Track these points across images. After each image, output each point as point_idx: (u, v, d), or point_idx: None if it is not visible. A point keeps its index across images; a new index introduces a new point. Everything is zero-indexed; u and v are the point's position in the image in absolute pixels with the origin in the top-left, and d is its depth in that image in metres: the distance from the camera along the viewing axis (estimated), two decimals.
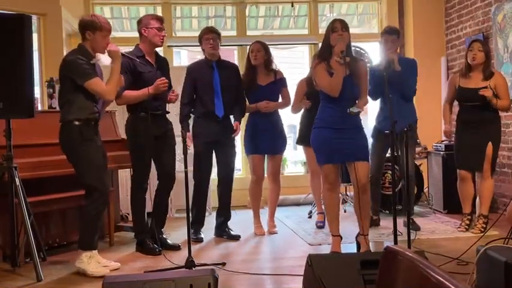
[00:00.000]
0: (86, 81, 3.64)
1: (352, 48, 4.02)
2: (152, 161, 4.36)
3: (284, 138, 4.98)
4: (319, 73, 3.80)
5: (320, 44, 6.83)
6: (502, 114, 5.43)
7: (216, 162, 4.82)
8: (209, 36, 4.65)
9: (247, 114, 5.01)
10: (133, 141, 4.25)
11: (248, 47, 5.02)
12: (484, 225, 4.60)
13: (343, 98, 3.74)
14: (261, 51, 4.82)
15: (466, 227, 4.71)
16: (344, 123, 3.75)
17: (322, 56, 3.84)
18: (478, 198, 5.13)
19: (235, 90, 4.75)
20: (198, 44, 4.79)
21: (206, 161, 4.71)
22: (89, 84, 3.64)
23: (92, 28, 3.70)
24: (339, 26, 3.76)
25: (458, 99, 4.76)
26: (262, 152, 4.90)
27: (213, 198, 5.62)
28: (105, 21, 3.80)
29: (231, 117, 4.82)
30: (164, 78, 4.17)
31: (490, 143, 4.58)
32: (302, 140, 5.09)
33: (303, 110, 5.08)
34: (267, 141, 4.82)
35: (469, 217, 4.75)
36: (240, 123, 4.77)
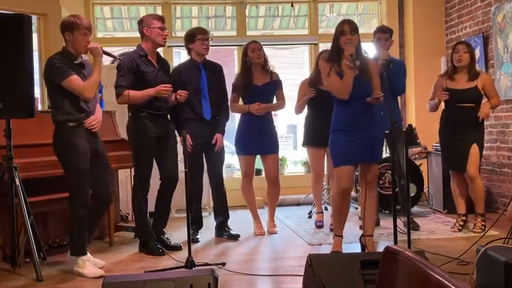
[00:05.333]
0: (62, 80, 3.62)
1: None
2: (154, 162, 4.35)
3: (275, 139, 4.96)
4: (330, 76, 3.77)
5: (320, 44, 6.85)
6: (501, 114, 5.44)
7: (206, 163, 4.80)
8: (204, 36, 4.63)
9: (238, 115, 5.01)
10: (135, 141, 4.22)
11: (243, 47, 4.97)
12: (484, 223, 4.60)
13: (353, 98, 3.71)
14: (261, 50, 4.83)
15: (460, 227, 4.71)
16: (357, 124, 3.73)
17: (332, 58, 3.80)
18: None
19: (220, 91, 4.75)
20: (184, 42, 4.71)
21: (198, 162, 4.68)
22: (66, 83, 3.62)
23: (70, 28, 3.68)
24: (347, 30, 3.71)
25: (446, 100, 4.71)
26: (254, 152, 4.90)
27: (212, 198, 5.62)
28: (84, 20, 3.75)
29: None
30: (170, 85, 4.16)
31: (474, 145, 4.57)
32: (306, 141, 5.08)
33: (307, 112, 5.07)
34: (257, 142, 4.81)
35: (464, 218, 4.75)
36: (223, 135, 4.73)
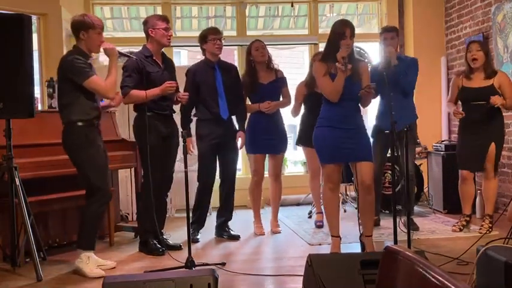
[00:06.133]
0: (84, 80, 3.63)
1: (354, 48, 3.99)
2: None
3: (285, 138, 4.99)
4: (322, 77, 3.78)
5: (320, 44, 6.83)
6: (503, 113, 5.43)
7: (219, 163, 4.81)
8: (217, 36, 4.64)
9: (248, 114, 5.02)
10: (143, 140, 4.20)
11: (247, 47, 5.00)
12: (491, 225, 4.59)
13: (343, 98, 3.74)
14: (265, 48, 4.85)
15: (461, 227, 4.70)
16: (346, 123, 3.75)
17: (328, 58, 3.80)
18: (477, 199, 5.14)
19: (236, 91, 4.75)
20: (199, 43, 4.75)
21: (211, 163, 4.71)
22: (88, 83, 3.64)
23: (85, 27, 3.69)
24: (348, 34, 3.69)
25: (462, 99, 4.74)
26: (264, 151, 4.91)
27: (213, 199, 5.62)
28: (97, 19, 3.81)
29: (233, 120, 4.82)
30: (174, 82, 4.17)
31: (492, 143, 4.57)
32: (302, 140, 5.09)
33: (303, 111, 5.09)
34: (268, 140, 4.82)
35: (467, 218, 4.74)
36: (244, 132, 4.78)
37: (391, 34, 4.76)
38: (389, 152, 4.89)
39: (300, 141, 5.15)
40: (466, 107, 4.69)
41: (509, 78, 4.70)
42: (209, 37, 4.64)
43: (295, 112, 5.06)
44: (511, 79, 4.70)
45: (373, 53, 6.53)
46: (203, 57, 4.80)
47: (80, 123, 3.67)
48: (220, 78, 4.65)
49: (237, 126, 4.81)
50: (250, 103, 4.95)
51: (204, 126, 4.65)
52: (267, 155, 4.97)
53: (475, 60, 4.56)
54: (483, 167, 4.63)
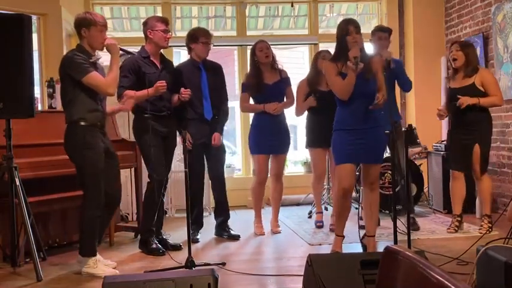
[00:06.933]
0: (83, 77, 3.59)
1: None
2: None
3: (289, 138, 4.99)
4: (334, 77, 3.77)
5: (320, 44, 6.83)
6: (501, 114, 5.43)
7: (207, 163, 4.80)
8: (208, 40, 4.64)
9: (251, 114, 5.02)
10: (144, 140, 4.22)
11: (250, 47, 5.00)
12: (490, 225, 4.59)
13: (355, 97, 3.71)
14: (269, 49, 4.85)
15: (456, 228, 4.69)
16: (360, 123, 3.73)
17: (337, 57, 3.80)
18: (477, 199, 5.14)
19: (220, 92, 4.75)
20: (186, 41, 4.70)
21: (199, 162, 4.69)
22: (87, 79, 3.60)
23: (87, 24, 3.67)
24: (352, 30, 3.70)
25: (449, 100, 4.74)
26: (268, 151, 4.90)
27: (212, 199, 5.62)
28: (100, 16, 3.78)
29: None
30: (164, 81, 4.15)
31: (476, 145, 4.55)
32: (309, 143, 5.06)
33: (307, 113, 5.06)
34: (272, 141, 4.82)
35: (459, 218, 4.73)
36: (221, 134, 4.72)
37: (385, 34, 4.76)
38: (388, 152, 4.89)
39: (308, 143, 5.08)
40: (451, 109, 4.67)
41: (491, 75, 4.70)
42: (200, 39, 4.62)
43: (299, 112, 5.03)
44: (508, 79, 4.69)
45: (373, 53, 6.51)
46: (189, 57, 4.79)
47: (82, 123, 3.64)
48: (205, 79, 4.65)
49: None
50: (254, 104, 4.94)
51: (191, 125, 4.62)
52: (270, 155, 4.97)
53: (454, 60, 4.59)
54: (470, 168, 4.63)
